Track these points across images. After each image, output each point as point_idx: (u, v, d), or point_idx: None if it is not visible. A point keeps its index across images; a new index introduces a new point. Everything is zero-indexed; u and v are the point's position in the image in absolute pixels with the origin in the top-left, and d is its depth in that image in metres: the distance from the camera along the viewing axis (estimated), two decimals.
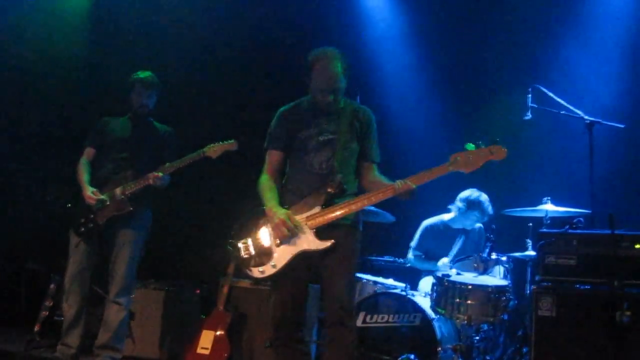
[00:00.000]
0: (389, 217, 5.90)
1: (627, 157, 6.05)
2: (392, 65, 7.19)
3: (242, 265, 4.18)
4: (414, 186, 3.91)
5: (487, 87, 6.78)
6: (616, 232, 4.51)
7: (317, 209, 4.03)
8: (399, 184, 3.95)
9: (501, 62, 6.63)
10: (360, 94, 5.29)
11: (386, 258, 6.52)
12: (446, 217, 6.21)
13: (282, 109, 4.32)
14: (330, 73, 4.11)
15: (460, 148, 3.89)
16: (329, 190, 4.02)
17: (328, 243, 3.97)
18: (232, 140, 5.13)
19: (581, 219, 5.13)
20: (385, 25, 7.30)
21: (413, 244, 6.25)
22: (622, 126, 5.14)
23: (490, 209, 5.96)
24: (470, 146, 3.89)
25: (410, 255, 6.24)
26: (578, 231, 4.69)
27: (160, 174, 5.12)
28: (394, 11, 7.30)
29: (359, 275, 5.65)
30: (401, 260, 6.38)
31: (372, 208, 5.68)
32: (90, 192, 5.17)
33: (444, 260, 5.89)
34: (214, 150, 5.11)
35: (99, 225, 5.18)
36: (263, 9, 7.42)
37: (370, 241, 6.26)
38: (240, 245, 4.17)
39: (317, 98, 4.18)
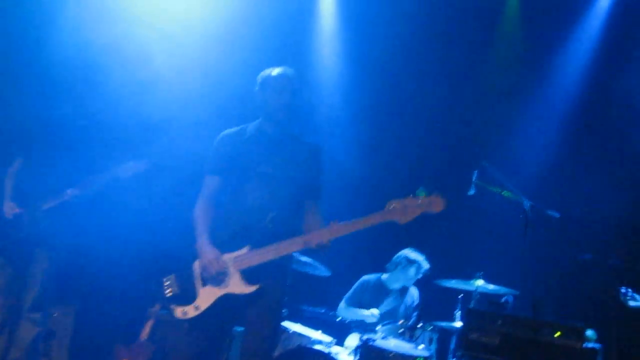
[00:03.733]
0: (324, 271, 5.94)
1: (561, 245, 6.25)
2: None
3: (166, 303, 4.01)
4: (326, 241, 3.72)
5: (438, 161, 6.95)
6: (538, 318, 4.65)
7: (245, 249, 3.84)
8: (314, 236, 3.75)
9: (454, 138, 6.84)
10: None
11: (320, 309, 6.53)
12: (384, 276, 6.32)
13: (225, 132, 4.10)
14: (282, 99, 3.94)
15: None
16: (262, 228, 3.84)
17: (253, 288, 3.81)
18: None
19: (510, 298, 5.26)
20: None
21: (347, 295, 6.33)
22: (557, 215, 5.30)
23: (426, 266, 6.09)
24: (421, 192, 3.73)
25: (342, 304, 6.28)
26: (503, 312, 4.79)
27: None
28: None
29: (286, 325, 5.64)
30: (333, 313, 6.41)
31: (308, 259, 5.73)
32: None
33: (374, 311, 5.96)
34: None
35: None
36: None
37: (307, 291, 6.34)
38: (165, 282, 3.98)
39: (264, 124, 4.01)
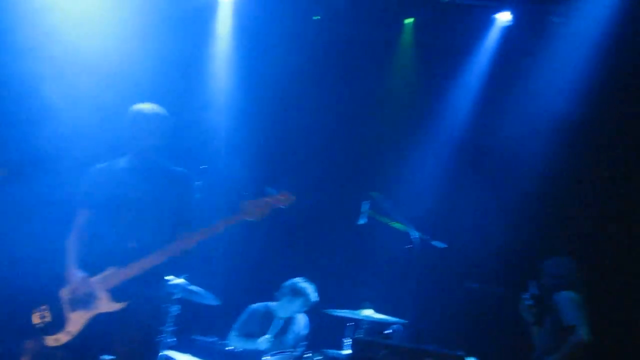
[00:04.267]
0: (213, 300, 5.85)
1: (449, 276, 6.41)
2: None
3: (39, 335, 3.96)
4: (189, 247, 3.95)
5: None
6: (422, 347, 4.73)
7: (111, 269, 3.94)
8: (175, 244, 3.95)
9: (345, 168, 6.92)
10: None
11: (210, 339, 6.42)
12: (273, 304, 6.27)
13: (95, 166, 4.26)
14: (151, 139, 4.12)
15: None
16: (128, 251, 3.93)
17: (120, 305, 3.90)
18: None
19: (398, 327, 5.31)
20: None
21: (236, 325, 6.25)
22: (443, 246, 5.43)
23: (314, 297, 6.08)
24: (270, 190, 4.04)
25: (232, 333, 6.20)
26: (388, 341, 4.84)
27: None
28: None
29: (174, 355, 5.49)
30: (224, 342, 6.31)
31: (196, 289, 5.64)
32: None
33: (267, 337, 5.93)
34: None
35: None
36: None
37: (197, 320, 6.20)
38: (36, 313, 3.97)
39: (133, 159, 4.17)
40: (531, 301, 5.74)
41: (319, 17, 7.24)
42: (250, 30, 7.19)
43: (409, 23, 7.29)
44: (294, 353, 5.45)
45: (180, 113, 4.41)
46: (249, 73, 7.14)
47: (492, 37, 7.11)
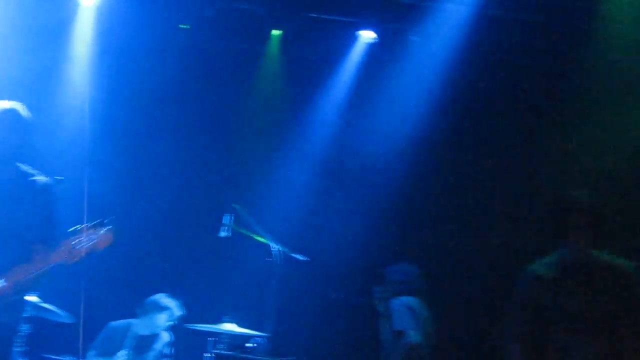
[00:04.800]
0: (67, 319, 5.62)
1: (311, 288, 6.51)
2: None
3: None
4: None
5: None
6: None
7: None
8: None
9: (208, 180, 6.85)
10: None
11: (63, 358, 6.15)
12: (134, 320, 6.09)
13: None
14: (11, 138, 3.71)
15: None
16: None
17: None
18: None
19: (260, 340, 5.30)
20: None
21: (94, 343, 6.03)
22: (307, 259, 5.49)
23: (177, 313, 5.97)
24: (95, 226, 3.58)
25: (90, 352, 5.97)
26: (247, 355, 4.84)
27: None
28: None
29: None
30: None
31: (49, 307, 5.39)
32: None
33: (123, 353, 5.75)
34: None
35: None
36: None
37: (53, 339, 5.92)
38: None
39: None
40: (377, 293, 5.92)
41: (187, 26, 7.14)
42: (113, 37, 6.98)
43: (276, 35, 7.33)
44: None
45: (38, 120, 4.03)
46: (111, 80, 6.92)
47: (357, 53, 7.28)
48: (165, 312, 5.95)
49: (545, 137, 6.95)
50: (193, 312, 5.94)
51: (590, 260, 3.71)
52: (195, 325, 5.67)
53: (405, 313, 5.74)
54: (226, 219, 5.54)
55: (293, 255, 5.47)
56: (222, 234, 5.57)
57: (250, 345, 5.40)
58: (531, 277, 3.81)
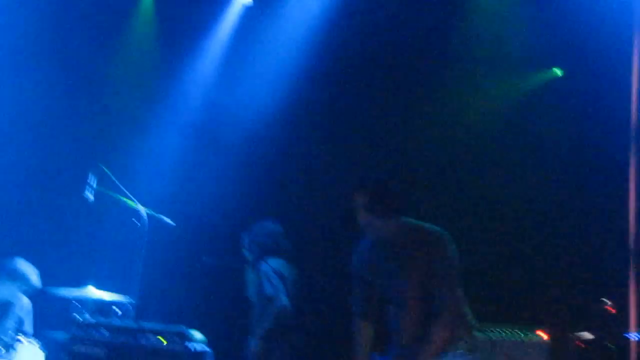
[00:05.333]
0: None
1: (176, 253, 6.41)
2: None
3: None
4: None
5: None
6: (144, 325, 4.68)
7: None
8: None
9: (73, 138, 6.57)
10: None
11: None
12: None
13: None
14: None
15: None
16: None
17: None
18: None
19: (126, 306, 5.16)
20: None
21: None
22: (173, 224, 5.38)
23: (34, 279, 5.69)
24: None
25: None
26: (110, 321, 4.71)
27: None
28: None
29: None
30: None
31: None
32: None
33: None
34: None
35: None
36: None
37: None
38: None
39: None
40: (246, 240, 5.92)
41: None
42: None
43: None
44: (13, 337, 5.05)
45: None
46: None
47: (233, 15, 7.16)
48: (20, 278, 5.64)
49: (414, 106, 7.17)
50: (56, 277, 5.68)
51: (395, 232, 3.88)
52: (59, 289, 5.44)
53: (274, 277, 5.77)
54: (92, 180, 5.31)
55: (162, 218, 5.33)
56: (87, 195, 5.33)
57: (116, 310, 5.25)
58: (356, 255, 4.08)
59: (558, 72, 7.38)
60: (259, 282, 5.82)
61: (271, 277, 5.76)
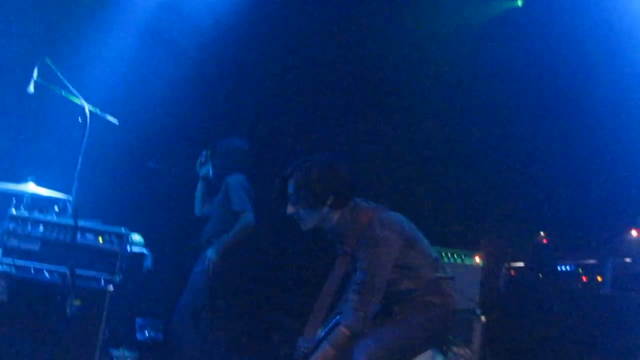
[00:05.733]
0: None
1: (118, 151, 6.30)
2: None
3: None
4: None
5: None
6: (83, 223, 4.64)
7: None
8: None
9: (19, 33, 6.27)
10: None
11: None
12: None
13: None
14: None
15: None
16: None
17: None
18: None
19: (65, 203, 5.07)
20: None
21: None
22: (116, 122, 5.25)
23: None
24: None
25: None
26: (46, 217, 4.65)
27: None
28: None
29: None
30: None
31: None
32: None
33: None
34: None
35: None
36: None
37: None
38: None
39: None
40: (203, 157, 5.91)
41: None
42: None
43: None
44: None
45: None
46: None
47: None
48: None
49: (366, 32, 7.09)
50: None
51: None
52: None
53: (243, 192, 5.77)
54: (34, 73, 5.12)
55: (106, 117, 5.20)
56: (30, 88, 5.15)
57: (54, 208, 5.16)
58: None
59: (519, 2, 7.33)
60: (224, 196, 5.82)
61: (240, 191, 5.77)
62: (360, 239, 3.75)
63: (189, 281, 5.79)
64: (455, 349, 4.99)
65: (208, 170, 5.99)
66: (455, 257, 5.70)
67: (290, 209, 3.84)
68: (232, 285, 5.86)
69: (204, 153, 5.96)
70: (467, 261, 5.75)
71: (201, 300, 5.71)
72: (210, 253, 5.66)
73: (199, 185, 6.07)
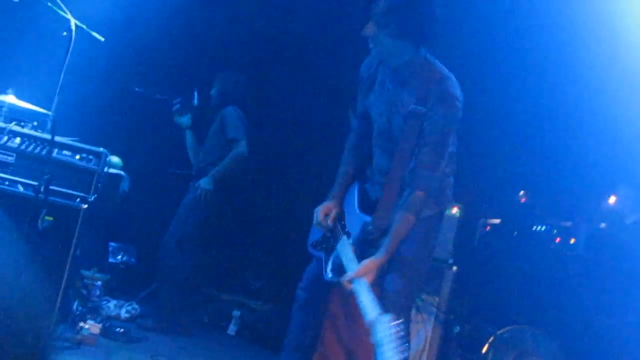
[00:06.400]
0: None
1: (102, 71, 6.19)
2: None
3: None
4: None
5: None
6: (63, 139, 4.58)
7: None
8: None
9: None
10: None
11: None
12: None
13: None
14: None
15: None
16: None
17: None
18: None
19: (43, 118, 4.99)
20: None
21: None
22: (102, 39, 5.13)
23: None
24: None
25: None
26: (19, 130, 4.58)
27: None
28: None
29: None
30: None
31: None
32: None
33: None
34: None
35: None
36: None
37: None
38: None
39: None
40: (178, 106, 5.87)
41: None
42: None
43: None
44: None
45: None
46: None
47: None
48: None
49: None
50: None
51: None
52: None
53: (239, 121, 5.80)
54: None
55: (91, 33, 5.08)
56: None
57: (32, 122, 5.07)
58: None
59: None
60: (219, 127, 5.83)
61: (236, 120, 5.80)
62: (432, 92, 3.37)
63: (180, 207, 5.84)
64: (424, 296, 5.03)
65: (188, 118, 5.96)
66: None
67: (369, 30, 3.38)
68: (218, 217, 5.89)
69: (176, 101, 5.92)
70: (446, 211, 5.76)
71: (190, 227, 5.76)
72: (205, 182, 5.70)
73: (187, 136, 6.04)
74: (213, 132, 5.92)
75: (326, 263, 3.53)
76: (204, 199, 5.68)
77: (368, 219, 3.46)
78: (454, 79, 3.47)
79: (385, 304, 3.15)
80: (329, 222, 3.58)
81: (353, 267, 3.27)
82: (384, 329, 2.86)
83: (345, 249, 3.40)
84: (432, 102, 3.37)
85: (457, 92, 3.43)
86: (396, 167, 3.42)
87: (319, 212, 3.62)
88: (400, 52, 3.43)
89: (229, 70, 6.11)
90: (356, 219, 3.55)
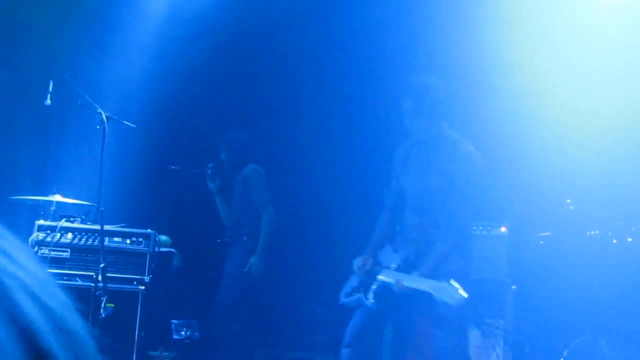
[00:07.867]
0: None
1: (137, 156, 6.39)
2: None
3: None
4: None
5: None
6: (112, 228, 4.72)
7: None
8: None
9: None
10: None
11: None
12: None
13: None
14: None
15: None
16: None
17: None
18: None
19: (93, 209, 5.16)
20: None
21: None
22: (133, 126, 5.32)
23: None
24: None
25: None
26: (70, 225, 4.74)
27: None
28: None
29: None
30: None
31: None
32: None
33: None
34: None
35: None
36: None
37: None
38: None
39: None
40: (209, 171, 5.98)
41: None
42: None
43: None
44: None
45: None
46: None
47: None
48: None
49: None
50: (21, 185, 5.64)
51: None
52: (23, 196, 5.42)
53: (263, 183, 5.83)
54: (50, 85, 5.22)
55: (122, 121, 5.28)
56: (47, 101, 5.25)
57: (80, 215, 5.25)
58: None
59: None
60: (243, 188, 5.86)
61: (261, 183, 5.85)
62: (451, 153, 4.10)
63: (224, 276, 5.87)
64: (488, 320, 4.98)
65: (219, 183, 6.06)
66: (481, 229, 5.68)
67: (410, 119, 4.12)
68: (266, 279, 5.92)
69: (209, 166, 6.03)
70: (493, 232, 5.73)
71: (238, 292, 5.78)
72: (255, 263, 5.70)
73: (218, 201, 6.13)
74: (238, 194, 5.96)
75: (366, 293, 4.06)
76: (254, 273, 5.72)
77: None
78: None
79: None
80: (367, 267, 4.13)
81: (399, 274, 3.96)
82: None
83: (389, 272, 4.03)
84: (448, 160, 4.25)
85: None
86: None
87: (358, 261, 4.20)
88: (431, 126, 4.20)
89: (230, 131, 6.16)
90: (391, 257, 4.17)
